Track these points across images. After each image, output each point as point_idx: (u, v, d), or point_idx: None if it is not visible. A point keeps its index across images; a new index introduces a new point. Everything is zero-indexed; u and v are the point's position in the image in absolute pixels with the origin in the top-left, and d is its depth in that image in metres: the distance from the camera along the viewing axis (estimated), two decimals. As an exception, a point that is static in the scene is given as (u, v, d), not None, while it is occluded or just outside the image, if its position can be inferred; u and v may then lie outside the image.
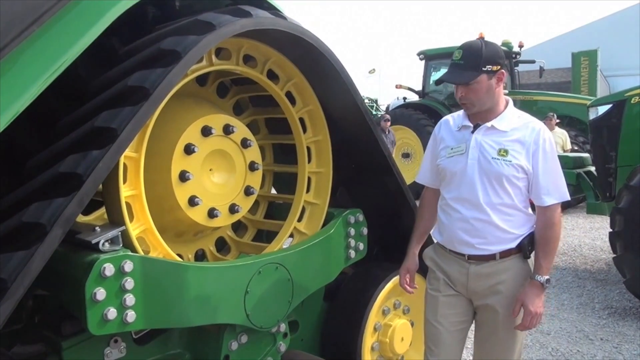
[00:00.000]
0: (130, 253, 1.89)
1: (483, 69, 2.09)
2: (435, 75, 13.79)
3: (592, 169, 6.54)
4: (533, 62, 12.89)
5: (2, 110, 1.60)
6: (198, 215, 2.32)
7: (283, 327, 2.48)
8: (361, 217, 2.76)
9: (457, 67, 2.13)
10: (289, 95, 2.61)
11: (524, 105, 12.06)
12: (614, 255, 4.93)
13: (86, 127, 1.74)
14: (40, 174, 1.71)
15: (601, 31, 21.22)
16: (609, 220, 5.27)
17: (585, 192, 6.56)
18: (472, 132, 2.21)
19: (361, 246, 2.75)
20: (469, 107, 2.19)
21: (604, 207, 6.10)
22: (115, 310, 1.81)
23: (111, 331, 1.86)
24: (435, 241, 2.46)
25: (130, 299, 1.85)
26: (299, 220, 2.70)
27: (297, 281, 2.41)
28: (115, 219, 1.98)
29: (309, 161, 2.73)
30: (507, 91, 12.09)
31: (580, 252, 7.35)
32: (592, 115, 6.14)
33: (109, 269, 1.79)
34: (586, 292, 5.61)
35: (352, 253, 2.72)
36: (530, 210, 2.25)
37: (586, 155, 7.17)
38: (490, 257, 2.20)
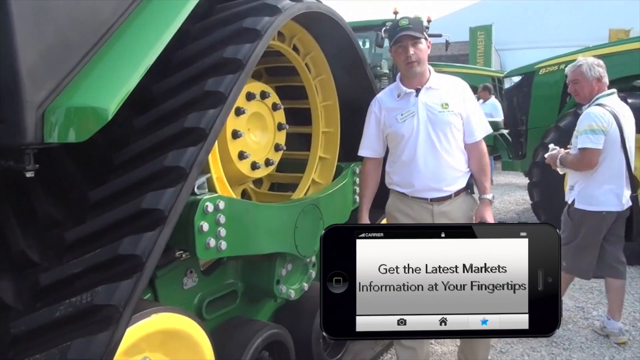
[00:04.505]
0: (220, 195, 2.32)
1: (424, 33, 2.68)
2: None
3: (506, 132, 7.53)
4: (440, 36, 13.86)
5: (122, 84, 1.93)
6: (245, 167, 2.75)
7: (313, 257, 3.01)
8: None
9: (408, 30, 2.60)
10: (306, 65, 3.07)
11: (434, 76, 13.05)
12: (532, 202, 5.89)
13: (197, 89, 2.11)
14: (162, 128, 2.07)
15: (495, 7, 22.87)
16: (514, 179, 6.19)
17: (500, 151, 7.57)
18: (416, 95, 2.68)
19: (363, 193, 3.30)
20: (414, 66, 2.62)
21: (517, 164, 7.12)
22: (214, 239, 2.24)
23: (211, 257, 2.30)
24: (392, 196, 2.83)
25: (223, 231, 2.28)
26: (315, 172, 3.21)
27: (325, 219, 2.94)
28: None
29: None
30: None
31: (493, 205, 8.43)
32: (507, 84, 7.09)
33: (210, 207, 2.21)
34: (505, 236, 6.59)
35: (357, 198, 3.27)
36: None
37: (499, 119, 8.19)
38: (448, 197, 2.72)
